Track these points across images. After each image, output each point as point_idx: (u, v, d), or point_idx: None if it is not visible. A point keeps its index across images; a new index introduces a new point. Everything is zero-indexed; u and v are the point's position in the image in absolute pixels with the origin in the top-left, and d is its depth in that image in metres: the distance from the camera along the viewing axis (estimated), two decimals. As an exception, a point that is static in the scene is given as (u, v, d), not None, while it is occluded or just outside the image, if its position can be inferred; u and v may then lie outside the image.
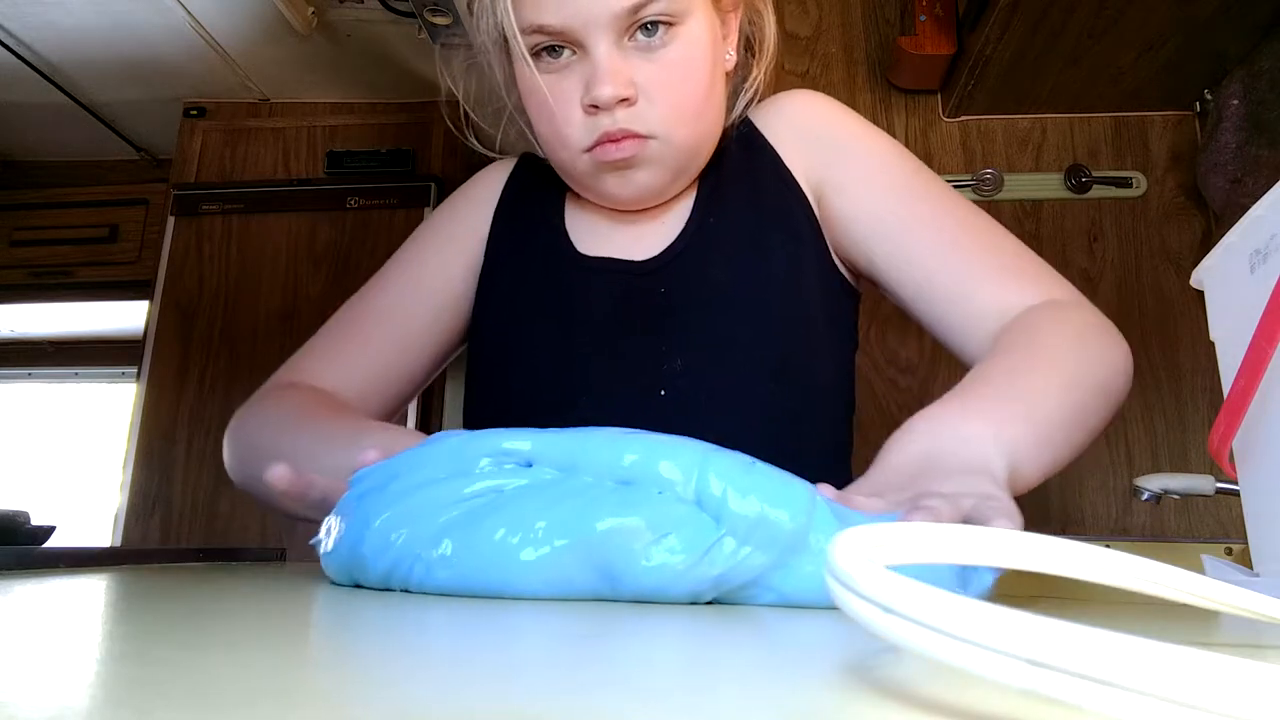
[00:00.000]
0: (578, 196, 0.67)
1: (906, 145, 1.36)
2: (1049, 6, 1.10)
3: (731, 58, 0.64)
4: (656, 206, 0.65)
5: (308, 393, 0.62)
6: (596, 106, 0.55)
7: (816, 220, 0.63)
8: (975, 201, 1.34)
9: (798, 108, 0.67)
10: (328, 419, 0.56)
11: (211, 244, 2.02)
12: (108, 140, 2.33)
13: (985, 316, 0.56)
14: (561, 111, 0.57)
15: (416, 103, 2.14)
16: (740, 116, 0.68)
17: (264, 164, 2.12)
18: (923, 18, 1.28)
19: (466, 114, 0.69)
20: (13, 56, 1.95)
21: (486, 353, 0.65)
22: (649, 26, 0.55)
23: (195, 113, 2.16)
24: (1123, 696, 0.10)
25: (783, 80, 1.41)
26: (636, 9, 0.54)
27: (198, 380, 1.93)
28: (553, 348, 0.61)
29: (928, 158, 1.37)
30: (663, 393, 0.58)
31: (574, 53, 0.56)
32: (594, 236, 0.65)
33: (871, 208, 0.61)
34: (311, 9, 1.79)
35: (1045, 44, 1.18)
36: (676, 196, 0.65)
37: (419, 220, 2.00)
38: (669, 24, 0.56)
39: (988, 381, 0.50)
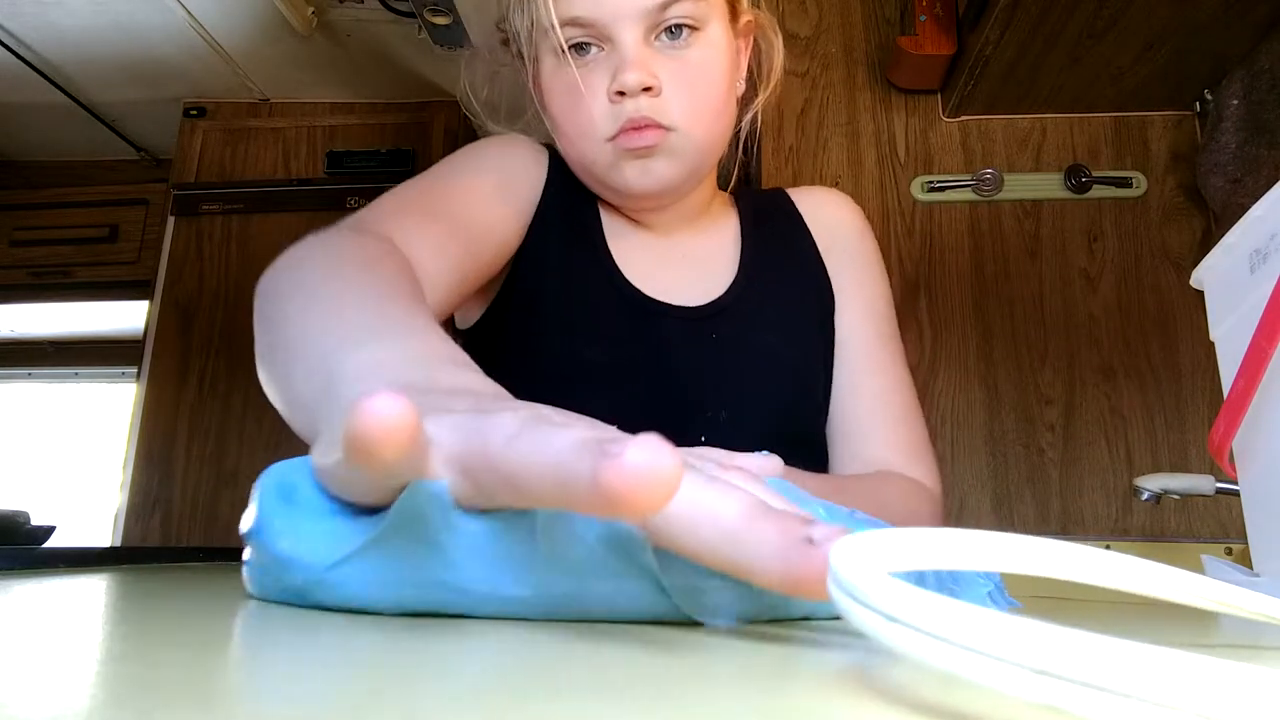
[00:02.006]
0: (613, 218, 0.69)
1: (906, 145, 1.37)
2: (1049, 6, 1.10)
3: (741, 85, 0.68)
4: (695, 243, 0.69)
5: (401, 261, 0.47)
6: (622, 93, 0.57)
7: (834, 307, 0.71)
8: (975, 201, 1.34)
9: (838, 205, 0.75)
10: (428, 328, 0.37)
11: (211, 244, 2.02)
12: (108, 140, 2.33)
13: (869, 461, 0.65)
14: (587, 102, 0.59)
15: (416, 103, 2.13)
16: (748, 140, 0.72)
17: (264, 164, 2.12)
18: (923, 18, 1.28)
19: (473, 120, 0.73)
20: (13, 56, 1.94)
21: (516, 353, 0.64)
22: (673, 29, 0.59)
23: (195, 113, 2.16)
24: (1143, 709, 0.10)
25: (783, 80, 1.40)
26: (664, 6, 0.57)
27: (198, 380, 1.93)
28: (611, 382, 0.63)
29: (928, 158, 1.37)
30: (703, 439, 0.61)
31: (601, 49, 0.59)
32: (644, 269, 0.66)
33: (850, 335, 0.70)
34: (311, 9, 1.79)
35: (1045, 44, 1.18)
36: (716, 239, 0.70)
37: (419, 220, 2.00)
38: (692, 28, 0.59)
39: (812, 476, 0.57)
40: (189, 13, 1.80)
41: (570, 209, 0.68)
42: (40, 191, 2.41)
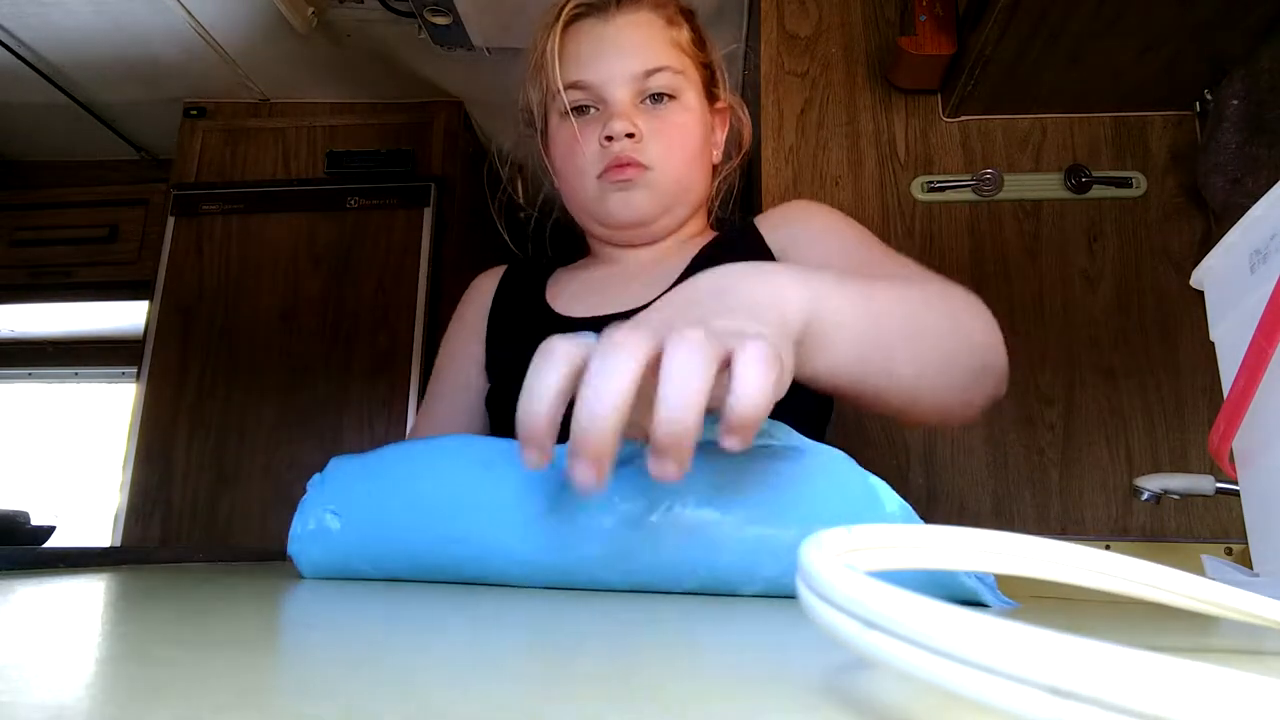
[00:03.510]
0: (565, 272, 0.82)
1: (906, 145, 1.37)
2: (1049, 6, 1.09)
3: (718, 153, 0.81)
4: (650, 266, 0.77)
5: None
6: (610, 138, 0.71)
7: None
8: (975, 201, 1.34)
9: (790, 207, 0.79)
10: None
11: (211, 244, 2.02)
12: (108, 140, 2.33)
13: None
14: (583, 147, 0.73)
15: (416, 103, 2.13)
16: (730, 198, 0.84)
17: (264, 164, 2.12)
18: (923, 18, 1.28)
19: (504, 175, 0.89)
20: (13, 57, 1.95)
21: (492, 409, 0.78)
22: (656, 96, 0.73)
23: (195, 113, 2.16)
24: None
25: (782, 79, 1.40)
26: (647, 75, 0.72)
27: (197, 380, 1.93)
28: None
29: (928, 158, 1.37)
30: None
31: (597, 109, 0.73)
32: (572, 303, 0.77)
33: (824, 253, 0.71)
34: (311, 9, 1.79)
35: (1045, 44, 1.18)
36: (672, 259, 0.76)
37: (419, 220, 2.00)
38: (670, 96, 0.74)
39: (830, 270, 0.47)
40: (189, 13, 1.80)
41: (522, 286, 0.83)
42: (40, 191, 2.41)
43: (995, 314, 0.55)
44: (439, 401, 0.82)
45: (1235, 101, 1.17)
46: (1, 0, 1.76)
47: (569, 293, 0.79)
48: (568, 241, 0.88)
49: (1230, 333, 0.52)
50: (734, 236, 0.80)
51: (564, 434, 0.52)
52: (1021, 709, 0.10)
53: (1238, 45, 1.16)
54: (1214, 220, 1.26)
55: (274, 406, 1.88)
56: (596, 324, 0.71)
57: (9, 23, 1.85)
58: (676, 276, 0.73)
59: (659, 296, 0.68)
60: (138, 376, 1.97)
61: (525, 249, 0.89)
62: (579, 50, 0.73)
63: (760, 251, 0.75)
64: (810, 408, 0.71)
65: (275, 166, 2.12)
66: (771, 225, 0.77)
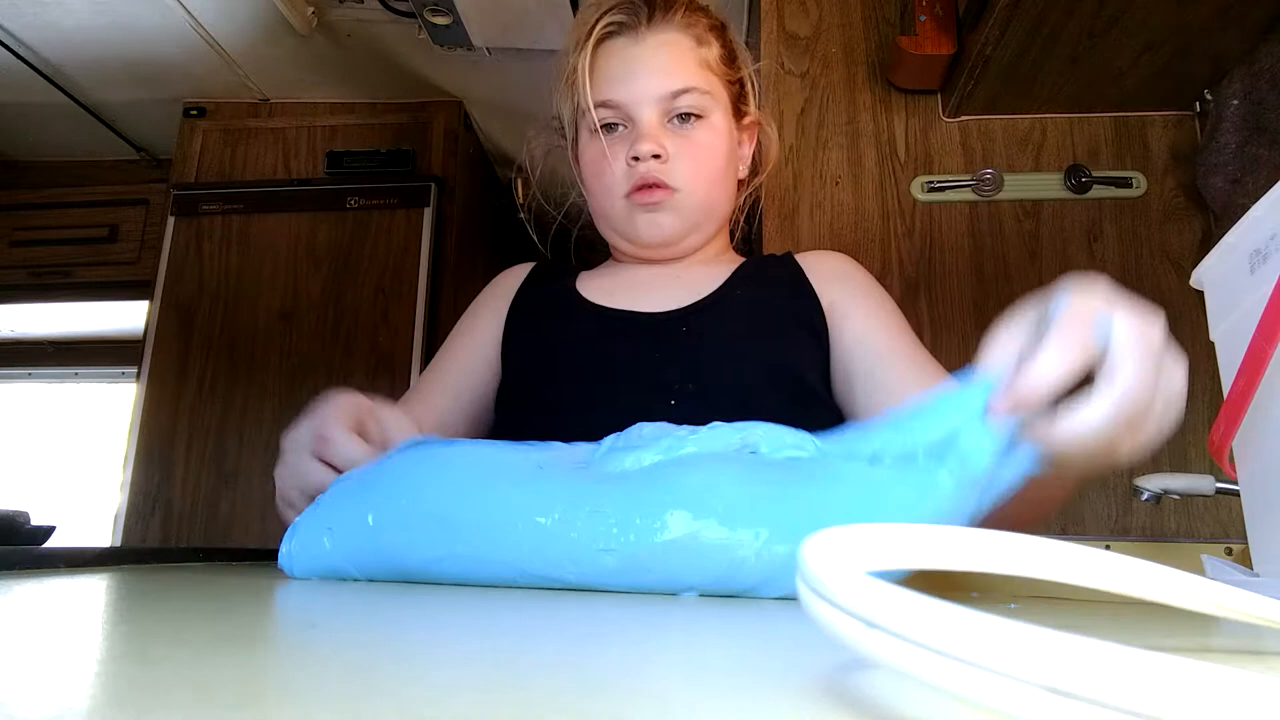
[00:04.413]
0: (583, 279, 0.82)
1: (906, 145, 1.37)
2: (1049, 6, 1.09)
3: (745, 167, 0.83)
4: (675, 279, 0.78)
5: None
6: (637, 158, 0.73)
7: (827, 326, 0.75)
8: (975, 201, 1.34)
9: (836, 258, 0.82)
10: None
11: (211, 244, 2.02)
12: (108, 140, 2.33)
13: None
14: (611, 165, 0.75)
15: (416, 103, 2.13)
16: (756, 210, 0.86)
17: (264, 164, 2.12)
18: (923, 18, 1.28)
19: (527, 188, 0.89)
20: (13, 56, 1.95)
21: (511, 394, 0.76)
22: (683, 116, 0.75)
23: (195, 113, 2.16)
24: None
25: (782, 79, 1.40)
26: (674, 95, 0.74)
27: (197, 380, 1.93)
28: (570, 380, 0.72)
29: (927, 158, 1.37)
30: (673, 402, 0.67)
31: (625, 127, 0.75)
32: (604, 296, 0.77)
33: (867, 334, 0.73)
34: (311, 9, 1.79)
35: (1045, 44, 1.18)
36: (707, 271, 0.78)
37: (419, 220, 2.00)
38: (698, 116, 0.75)
39: None
40: (189, 13, 1.80)
41: (549, 282, 0.82)
42: (40, 191, 2.41)
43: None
44: (437, 378, 0.80)
45: (1235, 101, 1.17)
46: (2, 1, 1.76)
47: (598, 288, 0.79)
48: (587, 248, 0.89)
49: (1230, 333, 0.52)
50: (770, 261, 0.82)
51: (566, 435, 0.52)
52: (1021, 709, 0.10)
53: (1238, 45, 1.16)
54: (1214, 220, 1.26)
55: (274, 406, 1.88)
56: (634, 317, 0.73)
57: (9, 22, 1.85)
58: (714, 288, 0.76)
59: (695, 303, 0.73)
60: (138, 376, 1.97)
61: (549, 254, 0.89)
62: (609, 69, 0.75)
63: (801, 284, 0.77)
64: (830, 425, 0.72)
65: (275, 166, 2.12)
66: (817, 270, 0.78)
